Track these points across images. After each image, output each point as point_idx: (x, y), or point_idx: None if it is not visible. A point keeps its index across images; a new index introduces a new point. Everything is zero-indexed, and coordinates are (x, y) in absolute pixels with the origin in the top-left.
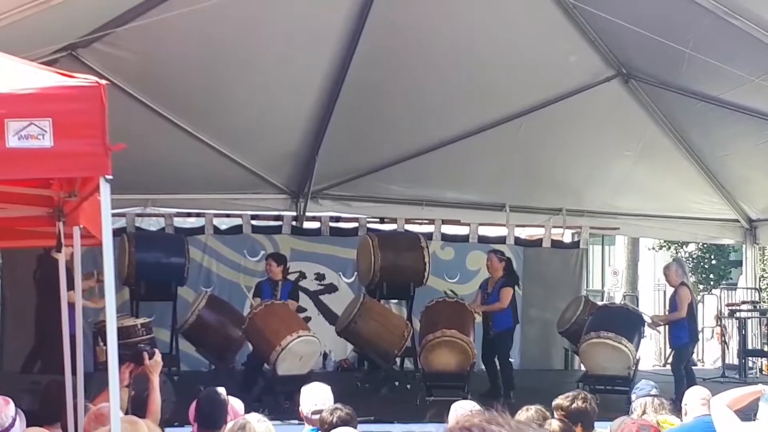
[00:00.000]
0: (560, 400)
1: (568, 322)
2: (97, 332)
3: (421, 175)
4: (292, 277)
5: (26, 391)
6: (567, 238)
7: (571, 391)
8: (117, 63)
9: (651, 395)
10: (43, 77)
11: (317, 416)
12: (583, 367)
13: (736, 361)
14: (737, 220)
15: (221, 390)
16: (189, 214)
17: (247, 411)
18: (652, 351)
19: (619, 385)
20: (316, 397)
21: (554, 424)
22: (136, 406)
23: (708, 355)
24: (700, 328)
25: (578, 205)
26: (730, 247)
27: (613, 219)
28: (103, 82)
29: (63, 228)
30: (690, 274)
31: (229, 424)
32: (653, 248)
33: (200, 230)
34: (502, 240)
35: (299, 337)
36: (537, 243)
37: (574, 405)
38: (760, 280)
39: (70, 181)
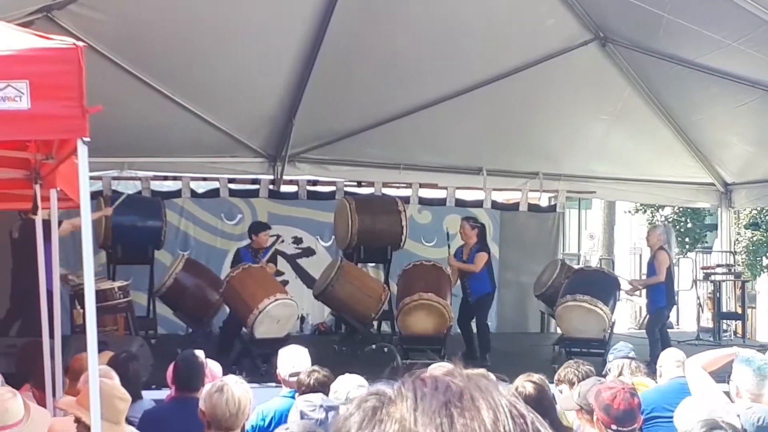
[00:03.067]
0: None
1: (545, 286)
2: (74, 295)
3: (399, 138)
4: (269, 241)
5: (2, 354)
6: (544, 201)
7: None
8: (93, 25)
9: (629, 357)
10: (20, 39)
11: (294, 378)
12: (559, 330)
13: (710, 324)
14: (713, 184)
15: (199, 352)
16: (166, 178)
17: (224, 374)
18: (627, 314)
19: (595, 348)
20: (294, 360)
21: (528, 386)
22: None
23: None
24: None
25: (555, 169)
26: (705, 211)
27: (590, 183)
28: (81, 44)
29: (40, 190)
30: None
31: (207, 386)
32: (629, 212)
33: (177, 193)
34: (479, 204)
35: (277, 300)
36: (514, 207)
37: (582, 368)
38: (734, 244)
39: (47, 143)
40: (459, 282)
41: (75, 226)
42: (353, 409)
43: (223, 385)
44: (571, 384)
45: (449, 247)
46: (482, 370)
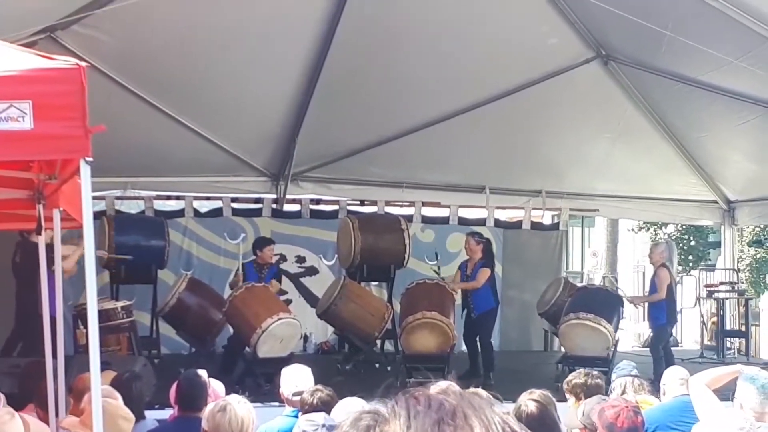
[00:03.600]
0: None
1: (548, 304)
2: (77, 315)
3: (402, 157)
4: (272, 260)
5: (6, 374)
6: (547, 219)
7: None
8: (96, 45)
9: (632, 375)
10: (23, 59)
11: (298, 398)
12: (562, 349)
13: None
14: (716, 202)
15: (202, 372)
16: (169, 197)
17: (227, 393)
18: (631, 332)
19: (599, 366)
20: (297, 379)
21: (531, 405)
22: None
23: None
24: (678, 309)
25: (558, 187)
26: (708, 229)
27: (593, 201)
28: (83, 64)
29: (43, 211)
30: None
31: (210, 406)
32: (633, 230)
33: (180, 213)
34: (482, 222)
35: (280, 319)
36: (517, 225)
37: (590, 382)
38: (738, 261)
39: (50, 163)
40: (459, 294)
41: (64, 257)
42: (347, 428)
43: (226, 405)
44: (578, 397)
45: (438, 267)
46: (476, 389)
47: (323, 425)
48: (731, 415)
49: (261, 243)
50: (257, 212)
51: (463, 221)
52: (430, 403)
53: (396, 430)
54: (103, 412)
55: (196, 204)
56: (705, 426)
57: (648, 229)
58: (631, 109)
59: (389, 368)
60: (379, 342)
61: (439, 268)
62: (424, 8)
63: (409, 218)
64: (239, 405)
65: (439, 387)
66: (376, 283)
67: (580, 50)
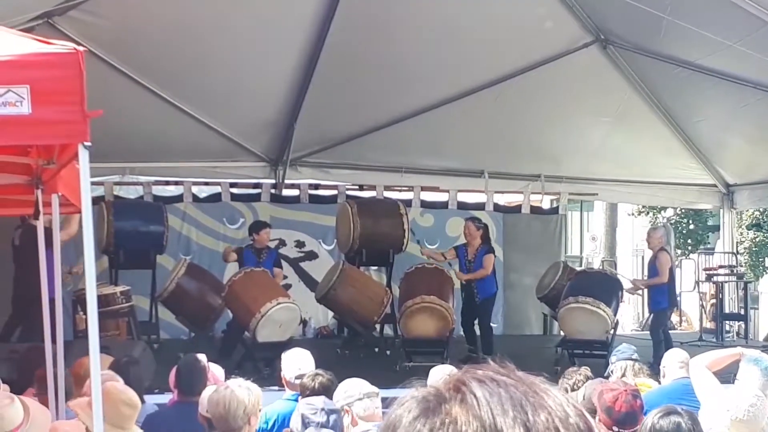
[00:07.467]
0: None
1: (547, 288)
2: (77, 300)
3: (400, 142)
4: (272, 245)
5: (5, 360)
6: (546, 204)
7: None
8: (94, 31)
9: (631, 359)
10: (20, 44)
11: (300, 381)
12: (561, 332)
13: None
14: (714, 185)
15: (201, 356)
16: (168, 182)
17: (227, 377)
18: (630, 315)
19: (597, 350)
20: (299, 362)
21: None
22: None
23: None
24: (678, 293)
25: (557, 171)
26: (707, 212)
27: (592, 185)
28: (81, 48)
29: (41, 196)
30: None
31: (208, 390)
32: (632, 214)
33: (179, 198)
34: (481, 206)
35: (279, 304)
36: (516, 209)
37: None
38: (737, 245)
39: (48, 148)
40: (463, 282)
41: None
42: (414, 410)
43: (227, 387)
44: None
45: (419, 242)
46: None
47: (323, 409)
48: (740, 392)
49: (257, 226)
50: (256, 197)
51: (462, 205)
52: (498, 383)
53: (475, 412)
54: (106, 397)
55: (194, 189)
56: (716, 404)
57: (647, 213)
58: (630, 93)
59: (388, 352)
60: (378, 326)
61: (418, 242)
62: None
63: (408, 203)
64: (239, 388)
65: (442, 373)
66: (375, 267)
67: (578, 34)
